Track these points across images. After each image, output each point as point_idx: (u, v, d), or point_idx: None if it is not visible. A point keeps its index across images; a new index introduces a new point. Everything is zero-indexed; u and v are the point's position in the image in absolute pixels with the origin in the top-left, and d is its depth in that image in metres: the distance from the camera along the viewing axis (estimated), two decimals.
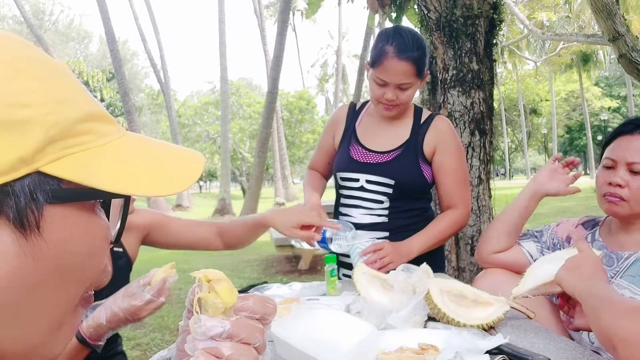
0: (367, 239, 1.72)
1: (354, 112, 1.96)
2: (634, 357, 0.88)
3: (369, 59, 1.80)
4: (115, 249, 1.52)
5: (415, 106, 1.91)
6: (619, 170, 1.38)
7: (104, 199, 0.46)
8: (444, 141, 1.81)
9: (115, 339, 1.59)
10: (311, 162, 2.09)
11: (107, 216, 0.48)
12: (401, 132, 1.85)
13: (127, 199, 0.51)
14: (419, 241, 1.75)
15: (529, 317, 1.23)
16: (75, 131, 0.43)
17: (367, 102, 1.97)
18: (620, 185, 1.36)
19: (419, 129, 1.83)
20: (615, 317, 0.94)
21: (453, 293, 1.20)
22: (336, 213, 1.94)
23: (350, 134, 1.91)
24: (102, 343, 1.19)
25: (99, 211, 0.47)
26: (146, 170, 0.47)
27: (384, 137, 1.86)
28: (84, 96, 0.45)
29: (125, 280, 1.57)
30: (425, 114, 1.87)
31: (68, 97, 0.44)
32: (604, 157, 1.45)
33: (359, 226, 1.83)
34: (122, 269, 1.54)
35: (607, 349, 0.97)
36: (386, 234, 1.81)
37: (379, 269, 1.59)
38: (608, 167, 1.42)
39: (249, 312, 0.50)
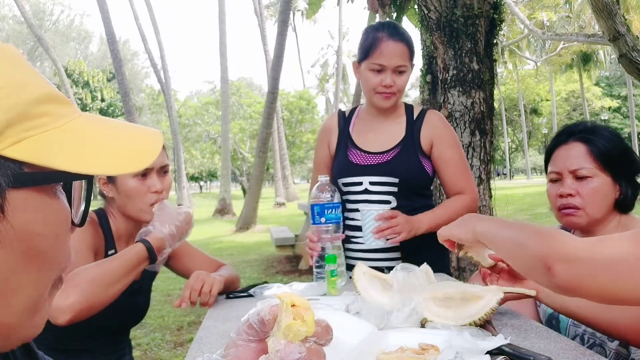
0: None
1: (344, 119, 1.96)
2: (570, 273, 0.86)
3: (357, 57, 1.84)
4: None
5: (406, 104, 1.93)
6: (565, 181, 1.42)
7: (66, 181, 0.46)
8: (439, 134, 1.84)
9: (124, 347, 1.62)
10: (312, 184, 2.03)
11: (70, 200, 0.48)
12: (396, 130, 1.86)
13: (90, 180, 0.50)
14: (428, 219, 1.75)
15: (529, 295, 1.22)
16: (33, 113, 0.43)
17: (355, 108, 1.99)
18: (571, 195, 1.40)
19: (414, 125, 1.85)
20: (549, 241, 0.91)
21: (438, 297, 1.18)
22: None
23: (346, 140, 1.91)
24: (161, 263, 1.46)
25: (60, 194, 0.46)
26: (106, 150, 0.47)
27: (380, 137, 1.86)
28: (37, 78, 0.45)
29: (149, 284, 1.68)
30: (417, 110, 1.90)
31: (22, 80, 0.43)
32: (548, 172, 1.49)
33: None
34: (149, 272, 1.63)
35: (534, 272, 0.93)
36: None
37: (388, 240, 1.67)
38: (555, 181, 1.46)
39: (317, 338, 0.53)
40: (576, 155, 1.41)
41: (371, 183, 1.82)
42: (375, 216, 1.66)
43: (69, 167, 0.43)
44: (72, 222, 0.49)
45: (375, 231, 1.66)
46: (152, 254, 1.36)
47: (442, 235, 1.21)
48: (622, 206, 1.42)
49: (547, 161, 1.52)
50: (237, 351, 0.54)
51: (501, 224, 1.07)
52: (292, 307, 0.52)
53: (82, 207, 0.50)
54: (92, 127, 0.48)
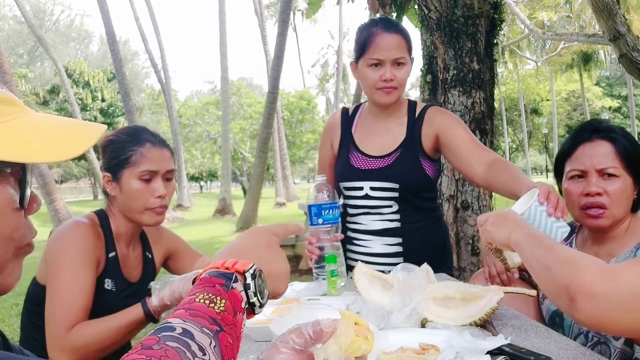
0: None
1: (347, 118, 1.93)
2: (595, 308, 0.84)
3: (353, 56, 1.80)
4: (147, 253, 1.68)
5: (409, 101, 1.89)
6: (591, 179, 1.39)
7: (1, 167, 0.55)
8: (442, 123, 1.78)
9: (124, 346, 1.62)
10: None
11: (24, 186, 0.58)
12: (398, 132, 1.82)
13: (24, 168, 0.58)
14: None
15: (530, 295, 1.22)
16: None
17: (358, 106, 1.95)
18: (599, 194, 1.37)
19: (415, 125, 1.81)
20: (572, 269, 0.89)
21: (438, 297, 1.18)
22: (343, 223, 1.87)
23: (348, 141, 1.88)
24: (163, 316, 1.40)
25: (3, 180, 0.55)
26: (43, 141, 0.55)
27: (381, 139, 1.83)
28: None
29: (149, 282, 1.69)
30: (419, 107, 1.85)
31: None
32: (569, 169, 1.45)
33: (370, 233, 1.81)
34: (149, 273, 1.66)
35: (559, 301, 0.92)
36: (399, 239, 1.79)
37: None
38: (575, 178, 1.42)
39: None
40: (604, 153, 1.38)
41: (372, 188, 1.79)
42: (544, 208, 1.26)
43: (4, 156, 0.52)
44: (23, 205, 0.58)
45: (560, 215, 1.26)
46: (152, 319, 1.40)
47: (485, 238, 1.20)
48: (634, 206, 1.41)
49: (564, 159, 1.48)
50: (280, 358, 0.56)
51: (534, 239, 1.04)
52: (355, 325, 0.55)
53: (27, 192, 0.59)
54: (35, 123, 0.56)
